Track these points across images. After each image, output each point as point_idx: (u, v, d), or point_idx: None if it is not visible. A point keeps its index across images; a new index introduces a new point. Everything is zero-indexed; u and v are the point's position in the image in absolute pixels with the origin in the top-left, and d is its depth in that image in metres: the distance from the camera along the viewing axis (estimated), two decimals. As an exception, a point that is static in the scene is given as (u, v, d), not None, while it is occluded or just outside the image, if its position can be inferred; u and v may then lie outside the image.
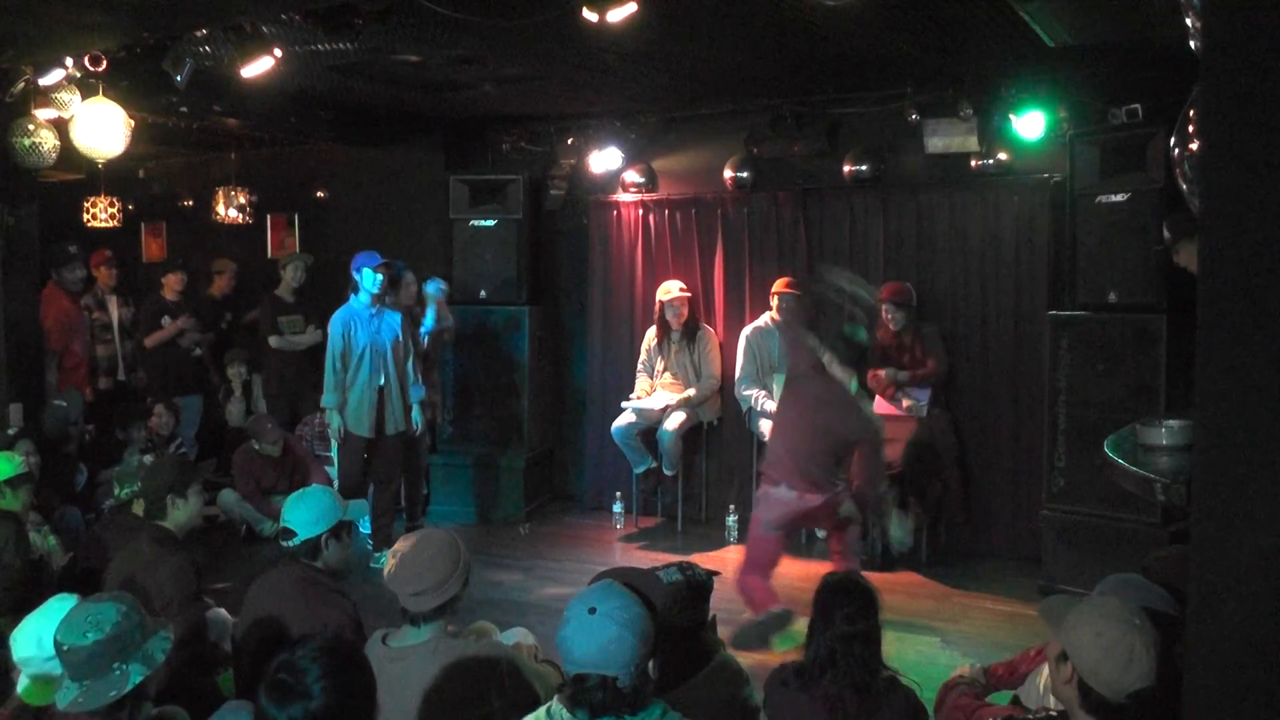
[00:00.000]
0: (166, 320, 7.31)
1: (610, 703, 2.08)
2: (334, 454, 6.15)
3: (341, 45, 4.94)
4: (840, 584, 2.92)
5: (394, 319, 6.08)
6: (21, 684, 2.62)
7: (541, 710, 2.20)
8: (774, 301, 6.52)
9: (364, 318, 5.98)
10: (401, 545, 2.78)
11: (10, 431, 5.21)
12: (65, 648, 2.33)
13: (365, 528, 6.51)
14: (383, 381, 6.01)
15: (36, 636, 2.62)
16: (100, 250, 7.39)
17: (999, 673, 3.11)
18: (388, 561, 2.76)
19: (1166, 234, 4.31)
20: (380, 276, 5.93)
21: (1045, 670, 2.57)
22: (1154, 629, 2.20)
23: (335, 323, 5.99)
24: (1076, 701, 2.21)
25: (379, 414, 6.03)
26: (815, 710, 2.76)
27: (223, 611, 4.04)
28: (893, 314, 6.09)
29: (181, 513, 3.65)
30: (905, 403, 6.12)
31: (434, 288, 6.55)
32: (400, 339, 6.08)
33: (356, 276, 5.95)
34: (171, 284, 7.41)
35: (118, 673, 2.34)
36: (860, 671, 2.75)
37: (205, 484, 7.00)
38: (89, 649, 2.31)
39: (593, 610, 2.11)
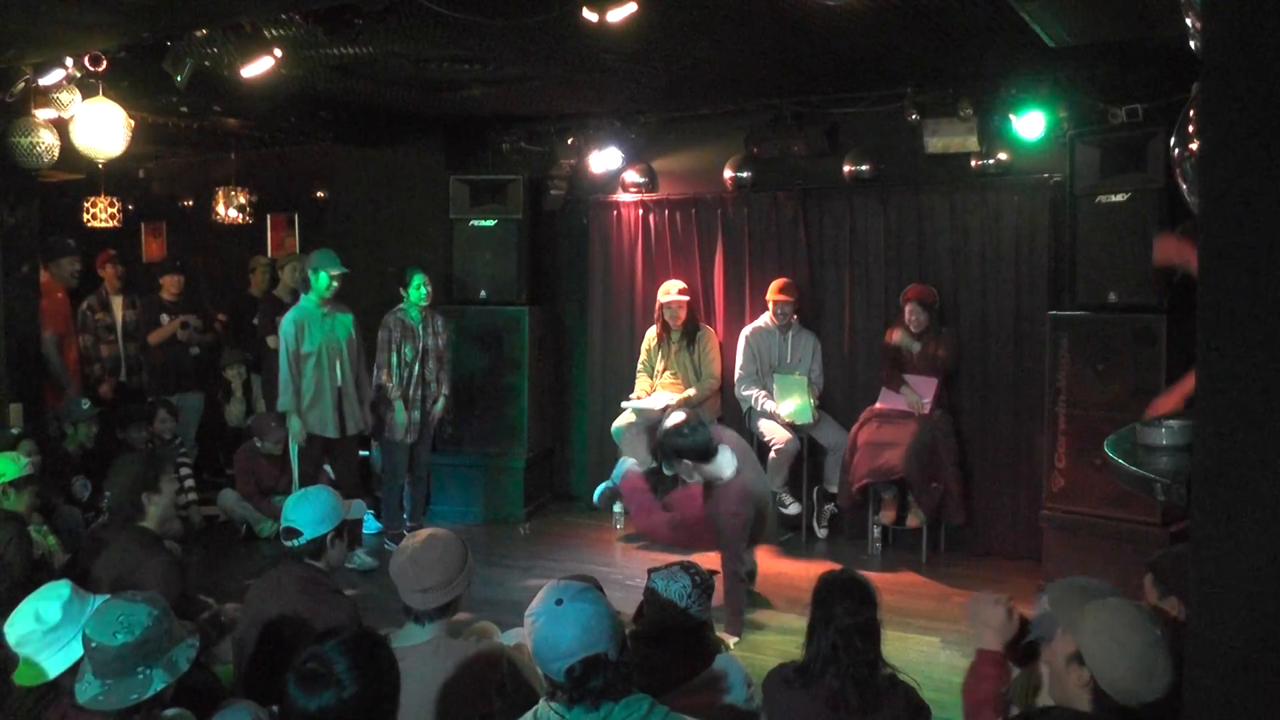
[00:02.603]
0: (165, 319, 7.32)
1: (610, 682, 2.08)
2: (294, 458, 6.07)
3: (344, 48, 4.94)
4: (839, 580, 2.93)
5: (346, 319, 6.10)
6: (19, 670, 2.62)
7: (528, 714, 2.20)
8: (771, 307, 6.53)
9: (315, 317, 5.96)
10: (410, 543, 2.79)
11: (14, 431, 5.20)
12: (93, 645, 2.35)
13: (369, 527, 6.54)
14: (340, 382, 6.01)
15: (33, 610, 2.63)
16: (106, 250, 7.38)
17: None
18: (395, 558, 2.77)
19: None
20: (336, 284, 5.96)
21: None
22: (1171, 638, 2.18)
23: (286, 324, 5.95)
24: (1088, 704, 2.20)
25: (339, 414, 6.02)
26: (816, 708, 2.76)
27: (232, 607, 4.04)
28: (917, 314, 6.09)
29: (157, 507, 3.65)
30: (908, 399, 6.12)
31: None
32: (354, 338, 6.10)
33: (311, 275, 5.95)
34: (169, 286, 7.41)
35: (141, 676, 2.35)
36: (861, 666, 2.75)
37: (205, 484, 7.06)
38: (117, 650, 2.33)
39: (559, 602, 2.13)
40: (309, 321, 5.94)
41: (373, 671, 2.05)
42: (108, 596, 2.78)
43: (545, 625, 2.12)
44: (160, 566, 3.40)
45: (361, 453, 6.60)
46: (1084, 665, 2.20)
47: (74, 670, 2.61)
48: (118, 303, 7.22)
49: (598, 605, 2.13)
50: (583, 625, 2.08)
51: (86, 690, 2.34)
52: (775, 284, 6.52)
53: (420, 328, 6.43)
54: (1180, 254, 3.21)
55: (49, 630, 2.60)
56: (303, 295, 6.05)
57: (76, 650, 2.60)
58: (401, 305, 6.45)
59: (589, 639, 2.08)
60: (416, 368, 6.41)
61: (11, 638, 2.62)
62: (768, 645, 4.72)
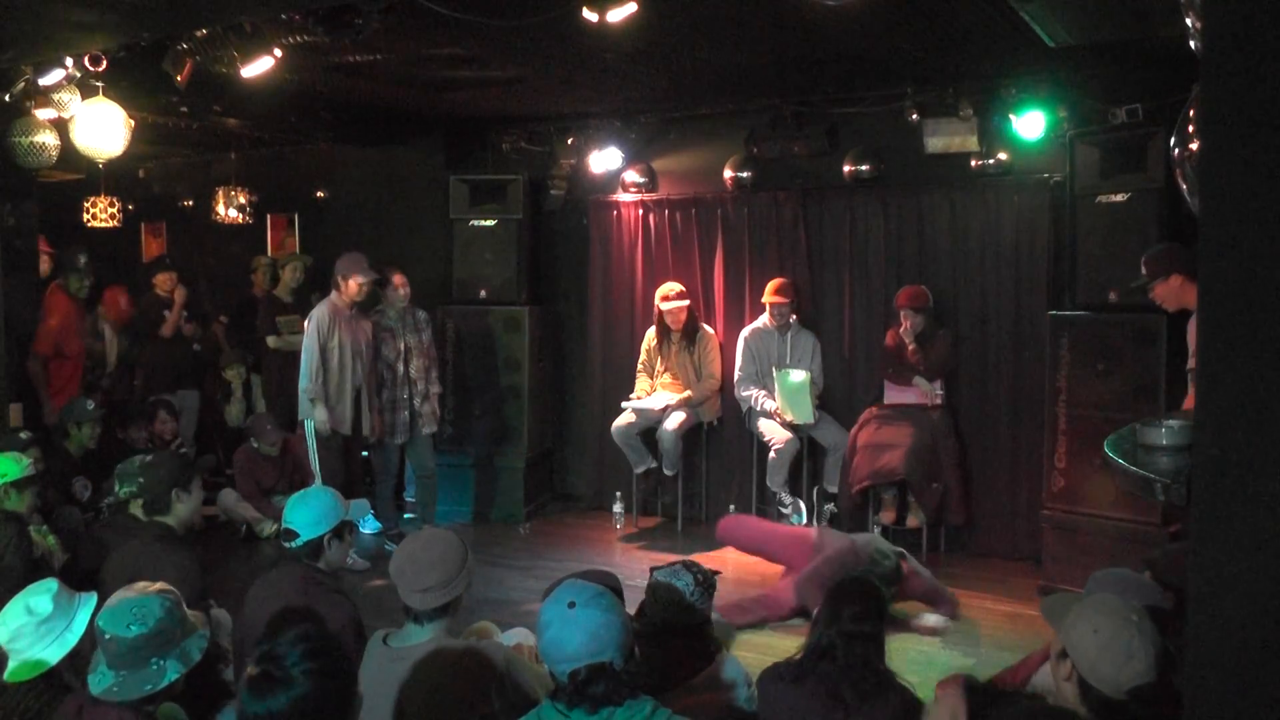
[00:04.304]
0: (167, 314, 7.34)
1: (611, 690, 2.09)
2: (312, 452, 6.04)
3: (345, 50, 4.94)
4: (851, 584, 2.93)
5: (367, 326, 6.17)
6: (10, 667, 2.62)
7: (533, 712, 2.20)
8: (767, 309, 6.53)
9: (346, 316, 6.02)
10: (410, 543, 2.79)
11: (23, 435, 5.20)
12: (107, 636, 2.36)
13: (366, 527, 6.52)
14: (358, 382, 6.07)
15: (23, 606, 2.64)
16: (120, 287, 7.45)
17: (1005, 680, 3.09)
18: (395, 558, 2.77)
19: (1144, 271, 4.34)
20: (365, 288, 6.00)
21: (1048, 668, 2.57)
22: (1153, 625, 2.20)
23: (317, 314, 5.97)
24: (1077, 699, 2.21)
25: (357, 413, 6.07)
26: (808, 704, 2.75)
27: (222, 611, 4.04)
28: (911, 318, 6.09)
29: (185, 507, 3.67)
30: (921, 387, 6.13)
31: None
32: (373, 343, 6.18)
33: (340, 278, 5.97)
34: (162, 284, 7.42)
35: (155, 667, 2.37)
36: (859, 669, 2.75)
37: (205, 484, 7.05)
38: (131, 641, 2.35)
39: (571, 605, 2.13)
40: (337, 319, 5.98)
41: (324, 666, 1.99)
42: (95, 594, 2.80)
43: (554, 626, 2.13)
44: (181, 563, 3.39)
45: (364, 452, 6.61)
46: (1068, 658, 2.22)
47: (73, 664, 2.62)
48: (108, 329, 7.29)
49: (609, 613, 2.14)
50: (590, 632, 2.09)
51: (100, 682, 2.36)
52: (771, 285, 6.51)
53: (399, 327, 6.42)
54: None
55: (42, 621, 2.61)
56: (334, 292, 6.06)
57: (69, 641, 2.61)
58: (379, 307, 6.45)
59: (595, 646, 2.09)
60: (400, 368, 6.39)
61: (3, 635, 2.63)
62: (768, 645, 4.71)
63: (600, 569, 3.04)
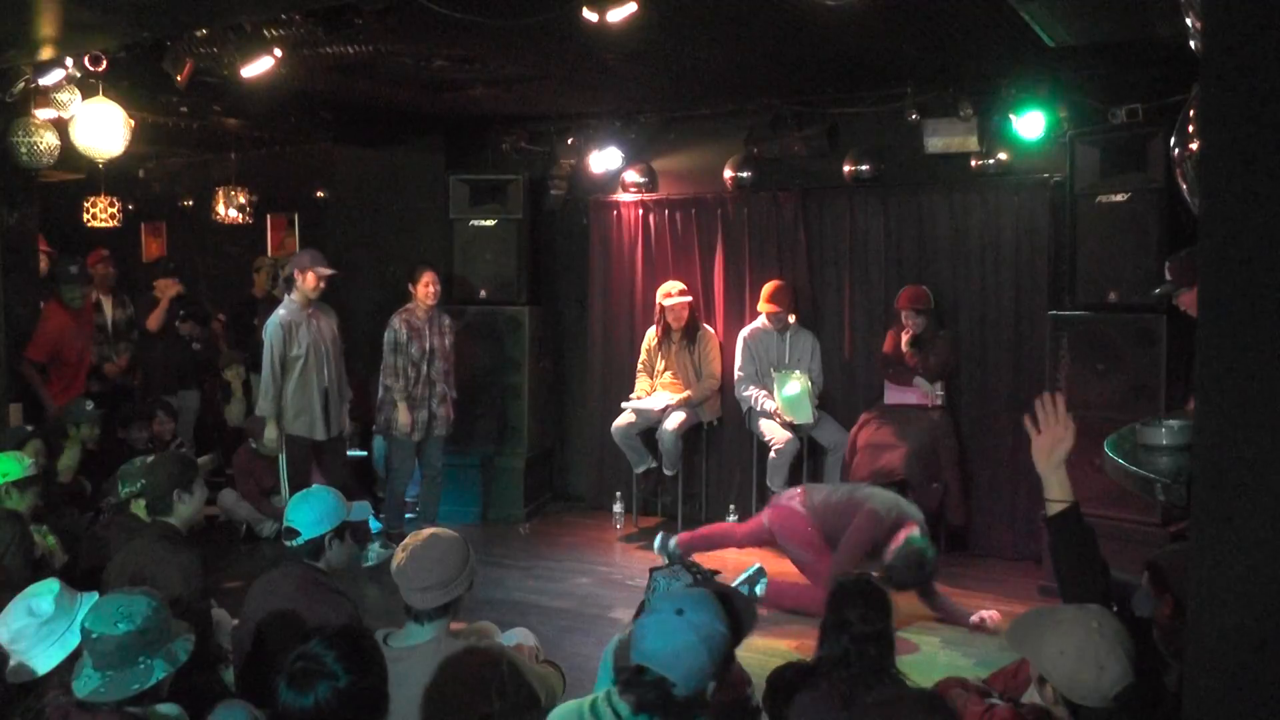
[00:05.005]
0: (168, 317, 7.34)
1: (658, 704, 2.07)
2: (281, 464, 6.00)
3: (343, 47, 4.94)
4: (855, 585, 2.92)
5: (331, 320, 6.06)
6: (10, 666, 2.62)
7: (585, 701, 2.19)
8: (762, 315, 6.54)
9: (301, 320, 5.89)
10: (412, 542, 2.79)
11: (28, 428, 5.20)
12: (94, 635, 2.35)
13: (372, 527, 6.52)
14: (326, 383, 5.97)
15: (26, 606, 2.64)
16: (98, 249, 7.36)
17: (998, 683, 3.09)
18: (397, 555, 2.77)
19: (1169, 276, 4.32)
20: (323, 284, 5.90)
21: None
22: (1116, 625, 2.21)
23: (273, 327, 5.84)
24: (1070, 718, 2.22)
25: (326, 415, 5.98)
26: (819, 710, 2.75)
27: (222, 612, 4.05)
28: (913, 319, 6.08)
29: (187, 508, 3.67)
30: (922, 388, 6.13)
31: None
32: (338, 338, 6.07)
33: (298, 276, 5.88)
34: (163, 288, 7.41)
35: (142, 666, 2.36)
36: (872, 672, 2.74)
37: (205, 484, 7.04)
38: (119, 639, 2.34)
39: (680, 612, 2.10)
40: (295, 324, 5.86)
41: (360, 663, 2.06)
42: (96, 594, 2.80)
43: (654, 615, 2.11)
44: (185, 563, 3.40)
45: (360, 452, 6.58)
46: (1048, 683, 2.23)
47: (66, 668, 2.62)
48: (107, 302, 7.18)
49: (701, 643, 2.07)
50: (671, 647, 2.07)
51: (86, 684, 2.34)
52: (764, 292, 6.48)
53: (426, 328, 6.42)
54: None
55: (44, 623, 2.61)
56: (286, 297, 5.97)
57: (70, 643, 2.61)
58: (409, 304, 6.44)
59: (666, 661, 2.07)
60: (424, 367, 6.39)
61: (4, 636, 2.62)
62: (768, 645, 4.71)
63: (749, 599, 2.91)
